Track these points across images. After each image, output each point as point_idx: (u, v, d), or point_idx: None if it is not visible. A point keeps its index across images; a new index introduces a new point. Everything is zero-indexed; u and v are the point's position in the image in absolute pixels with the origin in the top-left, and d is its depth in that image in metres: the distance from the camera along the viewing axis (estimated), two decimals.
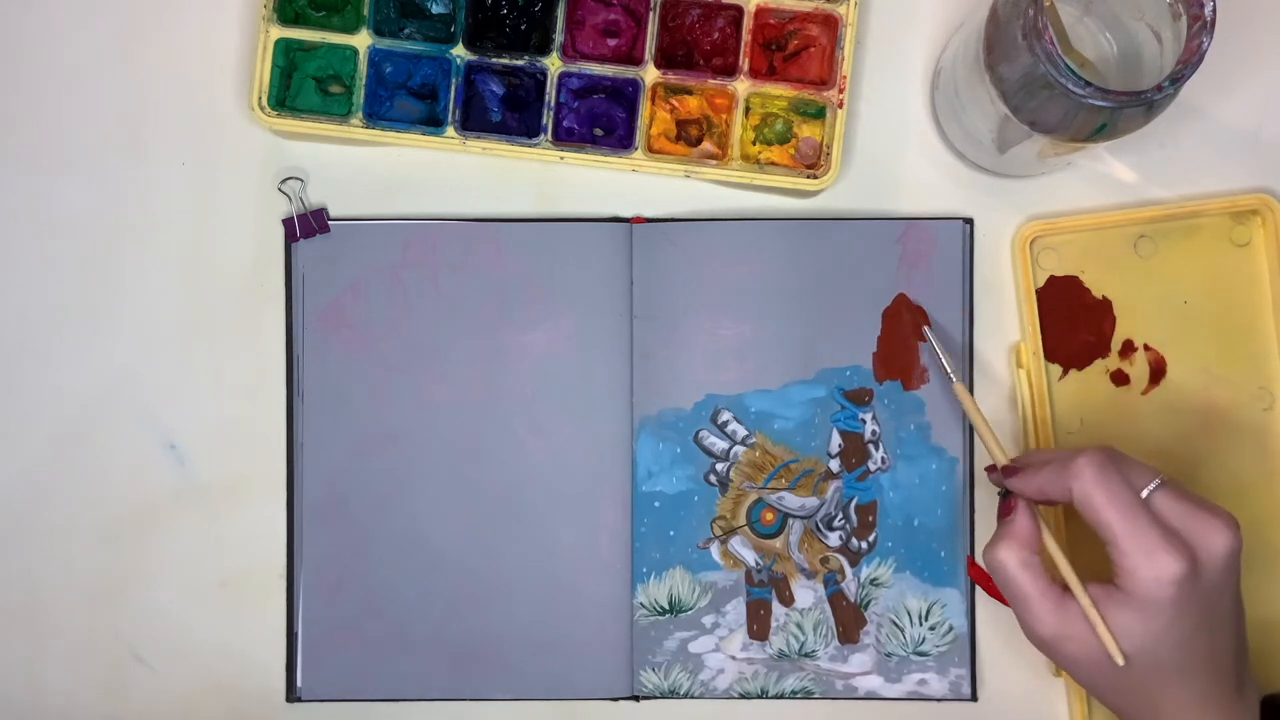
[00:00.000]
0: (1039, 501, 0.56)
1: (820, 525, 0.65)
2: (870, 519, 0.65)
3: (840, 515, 0.65)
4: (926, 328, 0.64)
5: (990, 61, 0.56)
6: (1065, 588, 0.55)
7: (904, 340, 0.65)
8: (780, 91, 0.64)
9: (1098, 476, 0.53)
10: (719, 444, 0.65)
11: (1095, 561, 0.55)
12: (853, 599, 0.65)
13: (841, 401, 0.65)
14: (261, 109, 0.63)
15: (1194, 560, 0.52)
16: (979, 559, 0.64)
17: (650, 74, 0.64)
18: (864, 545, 0.65)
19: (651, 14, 0.64)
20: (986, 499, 0.65)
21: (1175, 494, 0.53)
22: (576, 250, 0.65)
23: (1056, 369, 0.65)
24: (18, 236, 0.66)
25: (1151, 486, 0.53)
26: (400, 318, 0.65)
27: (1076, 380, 0.65)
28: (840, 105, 0.63)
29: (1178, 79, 0.53)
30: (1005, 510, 0.57)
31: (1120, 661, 0.53)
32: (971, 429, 0.65)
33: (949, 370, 0.62)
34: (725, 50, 0.64)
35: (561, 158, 0.63)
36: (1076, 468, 0.53)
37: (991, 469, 0.59)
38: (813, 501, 0.65)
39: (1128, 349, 0.65)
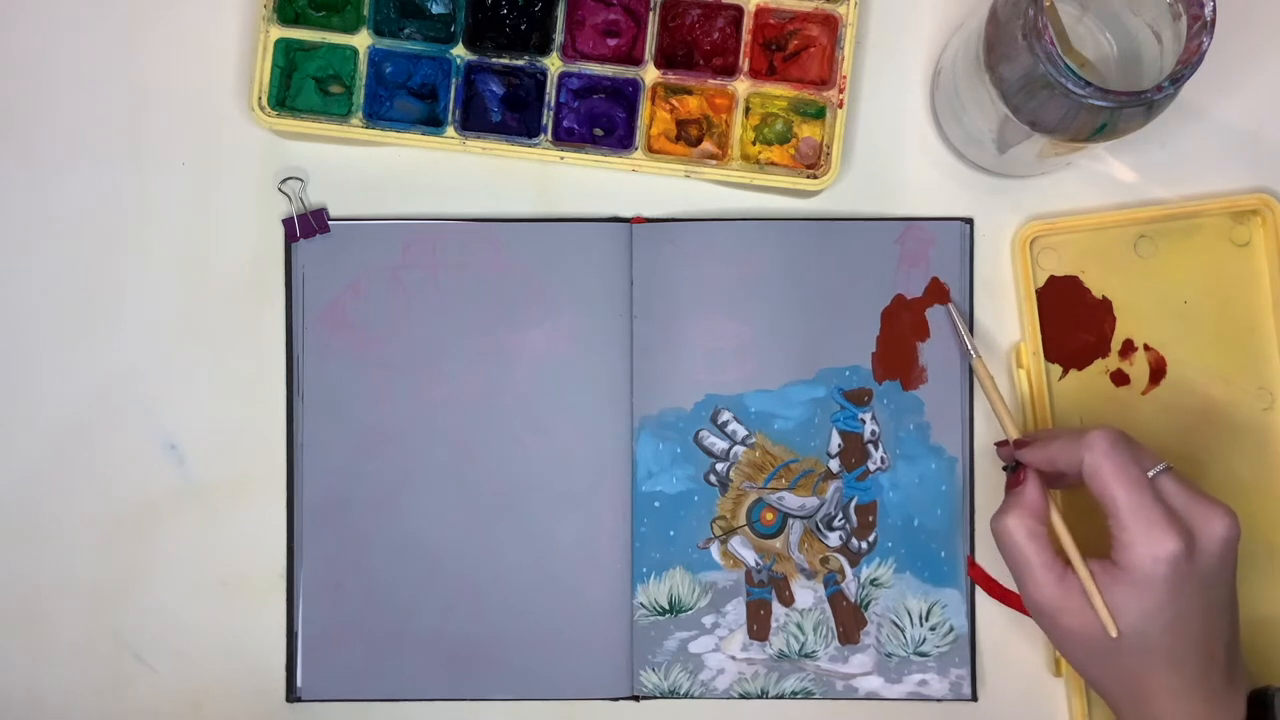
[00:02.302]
0: (1047, 474, 0.57)
1: (820, 525, 0.65)
2: (870, 519, 0.65)
3: (840, 515, 0.65)
4: (949, 305, 0.64)
5: (990, 61, 0.56)
6: (1068, 561, 0.55)
7: (904, 340, 0.65)
8: (780, 91, 0.64)
9: (1109, 449, 0.54)
10: (719, 444, 0.65)
11: (1093, 543, 0.55)
12: (853, 599, 0.65)
13: (841, 401, 0.65)
14: (261, 109, 0.63)
15: (1191, 542, 0.53)
16: (979, 558, 0.64)
17: (650, 74, 0.64)
18: (864, 545, 0.65)
19: (651, 14, 0.64)
20: (986, 499, 0.65)
21: (1180, 480, 0.55)
22: (576, 250, 0.65)
23: (1056, 369, 0.65)
24: (18, 236, 0.66)
25: (1158, 469, 0.55)
26: (400, 318, 0.65)
27: (1076, 380, 0.65)
28: (840, 105, 0.63)
29: (1178, 79, 0.53)
30: (1014, 482, 0.58)
31: (1114, 633, 0.54)
32: (973, 425, 0.65)
33: (970, 346, 0.63)
34: (725, 50, 0.64)
35: (561, 158, 0.63)
36: (1090, 439, 0.54)
37: (1002, 444, 0.60)
38: (813, 501, 0.65)
39: (1128, 349, 0.65)
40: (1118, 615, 0.54)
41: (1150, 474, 0.54)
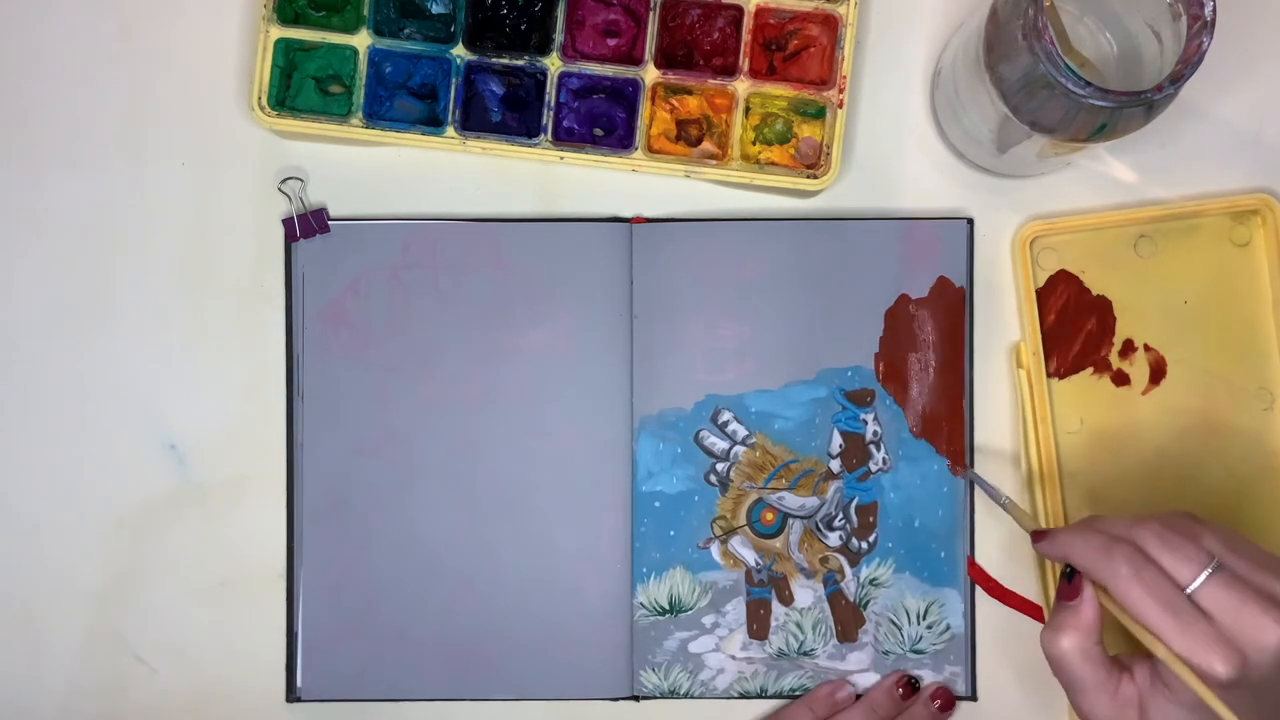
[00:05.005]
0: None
1: (820, 525, 0.65)
2: (870, 519, 0.65)
3: (840, 515, 0.65)
4: (964, 469, 0.64)
5: (990, 61, 0.56)
6: (1122, 669, 0.53)
7: (906, 341, 0.65)
8: (780, 91, 0.64)
9: (1133, 575, 0.50)
10: (719, 444, 0.65)
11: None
12: (852, 598, 0.65)
13: (843, 402, 0.65)
14: (261, 109, 0.63)
15: (1241, 660, 0.49)
16: (979, 558, 0.64)
17: (650, 74, 0.64)
18: (864, 545, 0.65)
19: (651, 14, 0.64)
20: (987, 500, 0.65)
21: (1228, 584, 0.50)
22: (576, 250, 0.65)
23: (1056, 368, 0.65)
24: (18, 236, 0.66)
25: (1202, 577, 0.50)
26: (400, 318, 0.65)
27: (1076, 380, 0.65)
28: (840, 105, 0.63)
29: (1178, 79, 0.53)
30: (1069, 594, 0.54)
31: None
32: (974, 426, 0.65)
33: (1003, 501, 0.62)
34: (725, 50, 0.64)
35: (561, 158, 0.63)
36: (1114, 563, 0.51)
37: (1065, 577, 0.55)
38: (813, 501, 0.65)
39: (1128, 349, 0.65)
40: None
41: (1193, 585, 0.50)
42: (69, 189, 0.66)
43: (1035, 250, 0.65)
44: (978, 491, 0.65)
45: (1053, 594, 0.64)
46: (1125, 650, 0.55)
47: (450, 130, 0.63)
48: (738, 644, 0.65)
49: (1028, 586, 0.65)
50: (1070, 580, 0.54)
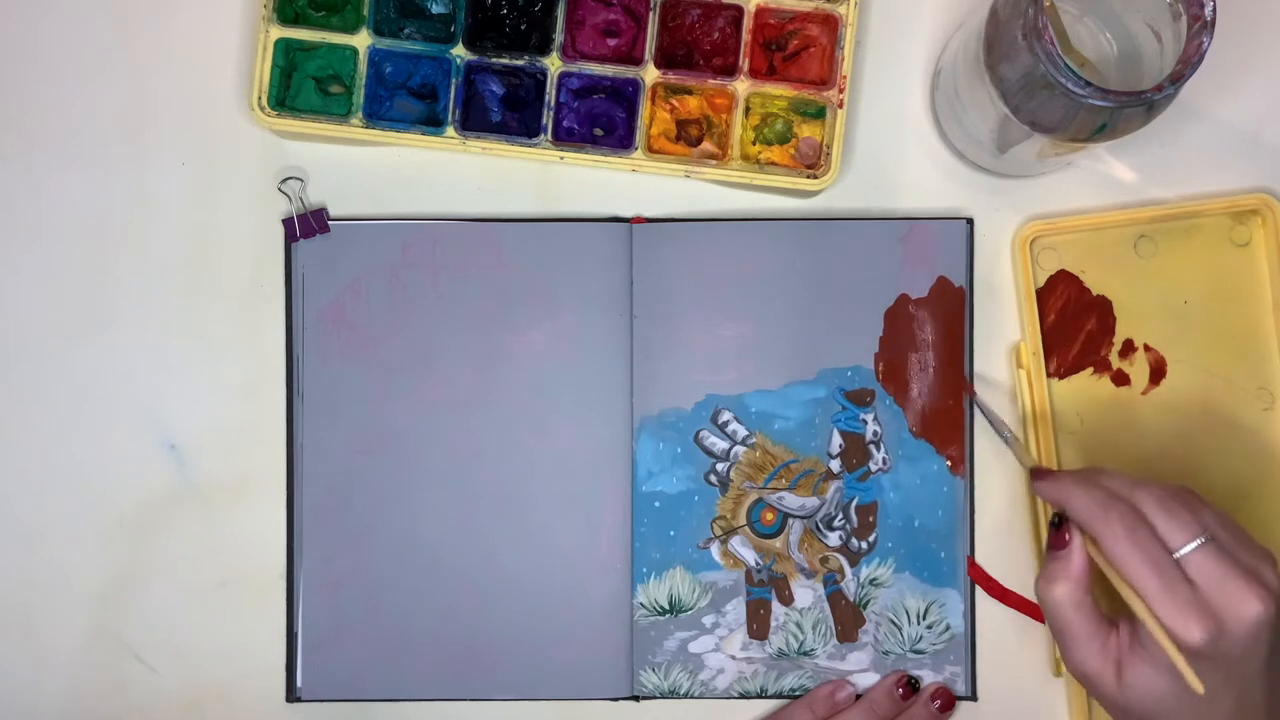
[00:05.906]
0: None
1: (820, 525, 0.65)
2: (870, 519, 0.65)
3: (840, 515, 0.65)
4: (972, 396, 0.64)
5: (990, 61, 0.56)
6: (1111, 624, 0.54)
7: (906, 341, 0.65)
8: (780, 91, 0.64)
9: (1126, 535, 0.51)
10: (719, 444, 0.65)
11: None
12: (852, 598, 0.65)
13: (843, 402, 0.65)
14: (261, 109, 0.63)
15: (1218, 628, 0.50)
16: (979, 558, 0.64)
17: (650, 74, 0.64)
18: (864, 545, 0.65)
19: (651, 14, 0.64)
20: (987, 500, 0.65)
21: (1216, 554, 0.51)
22: (576, 250, 0.65)
23: (1056, 368, 0.65)
24: (18, 236, 0.66)
25: (1193, 544, 0.51)
26: (400, 318, 0.65)
27: (1077, 380, 0.65)
28: (840, 105, 0.63)
29: (1178, 79, 0.53)
30: (1058, 543, 0.55)
31: (1200, 689, 0.51)
32: (974, 426, 0.65)
33: (1006, 436, 0.62)
34: (725, 50, 0.64)
35: (561, 158, 0.63)
36: (1110, 521, 0.52)
37: (1055, 529, 0.56)
38: (813, 502, 0.65)
39: (1128, 349, 0.65)
40: (1143, 692, 0.52)
41: (1183, 551, 0.51)
42: (69, 189, 0.66)
43: (1035, 250, 0.65)
44: (977, 488, 0.65)
45: None
46: (1111, 609, 0.56)
47: (450, 130, 0.63)
48: (738, 644, 0.65)
49: (1028, 586, 0.65)
50: (1058, 529, 0.55)
